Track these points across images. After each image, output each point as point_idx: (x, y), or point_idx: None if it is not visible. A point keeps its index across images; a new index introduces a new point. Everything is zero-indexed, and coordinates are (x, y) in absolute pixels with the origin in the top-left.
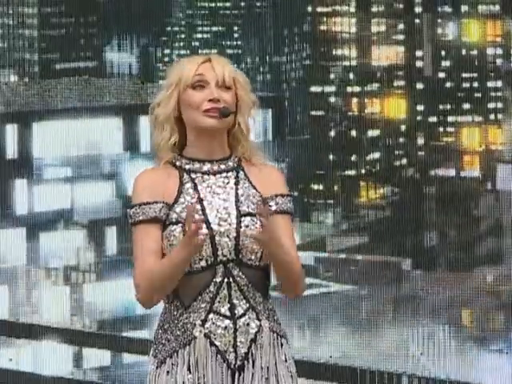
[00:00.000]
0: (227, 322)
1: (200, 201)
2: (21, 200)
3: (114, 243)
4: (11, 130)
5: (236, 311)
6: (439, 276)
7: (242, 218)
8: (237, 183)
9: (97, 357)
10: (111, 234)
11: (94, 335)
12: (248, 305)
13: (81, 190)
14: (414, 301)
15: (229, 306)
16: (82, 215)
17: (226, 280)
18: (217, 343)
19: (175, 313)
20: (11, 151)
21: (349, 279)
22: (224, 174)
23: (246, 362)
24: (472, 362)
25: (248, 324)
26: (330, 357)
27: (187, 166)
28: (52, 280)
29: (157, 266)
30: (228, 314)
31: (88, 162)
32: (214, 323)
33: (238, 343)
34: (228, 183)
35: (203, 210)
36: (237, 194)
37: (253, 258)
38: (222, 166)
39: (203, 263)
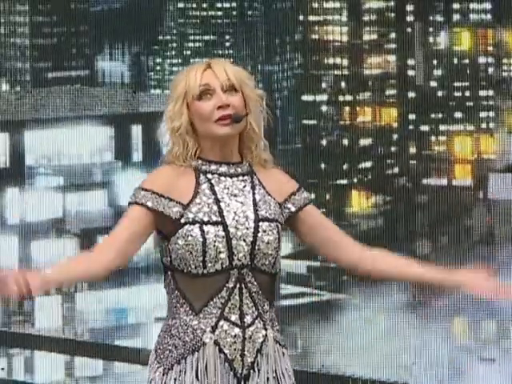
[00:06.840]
0: (237, 330)
1: (217, 202)
2: (12, 209)
3: None
4: (3, 139)
5: (245, 319)
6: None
7: (260, 223)
8: (253, 188)
9: (89, 366)
10: None
11: (86, 344)
12: (257, 313)
13: (73, 198)
14: (406, 310)
15: (239, 313)
16: (74, 224)
17: (238, 286)
18: (225, 351)
19: (185, 317)
20: (3, 160)
21: (341, 288)
22: (240, 178)
23: (251, 371)
24: (464, 372)
25: (256, 333)
26: (322, 366)
27: (203, 167)
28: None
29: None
30: (238, 322)
31: (80, 171)
32: (224, 331)
33: (246, 352)
34: (245, 187)
35: (220, 211)
36: (254, 198)
37: (266, 263)
38: (238, 170)
39: (218, 266)
